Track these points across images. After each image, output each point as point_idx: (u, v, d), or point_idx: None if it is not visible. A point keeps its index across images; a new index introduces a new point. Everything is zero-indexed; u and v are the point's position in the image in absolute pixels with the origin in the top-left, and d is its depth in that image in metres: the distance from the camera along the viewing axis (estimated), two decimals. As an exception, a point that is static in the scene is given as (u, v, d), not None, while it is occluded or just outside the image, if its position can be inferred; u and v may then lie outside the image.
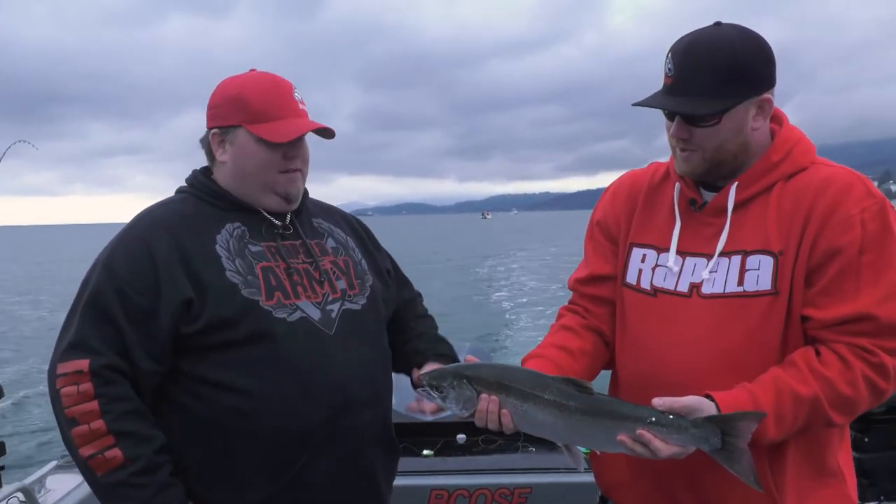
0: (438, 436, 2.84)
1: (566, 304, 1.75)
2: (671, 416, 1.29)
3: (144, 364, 1.53)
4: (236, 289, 1.58)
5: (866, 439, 1.99)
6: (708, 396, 1.33)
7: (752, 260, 1.42)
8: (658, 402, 1.30)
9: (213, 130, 1.66)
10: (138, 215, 1.70)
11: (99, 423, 1.47)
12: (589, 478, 2.45)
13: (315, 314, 1.64)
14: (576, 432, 1.40)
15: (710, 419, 1.28)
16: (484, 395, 1.39)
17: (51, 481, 2.42)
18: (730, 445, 1.27)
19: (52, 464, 2.56)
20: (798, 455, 1.43)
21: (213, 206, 1.68)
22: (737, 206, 1.47)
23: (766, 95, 1.43)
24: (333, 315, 1.66)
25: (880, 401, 1.37)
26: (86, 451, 1.47)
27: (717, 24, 1.45)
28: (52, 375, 1.52)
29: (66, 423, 1.49)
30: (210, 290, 1.56)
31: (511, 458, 2.72)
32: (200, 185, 1.72)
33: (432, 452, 2.74)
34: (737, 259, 1.44)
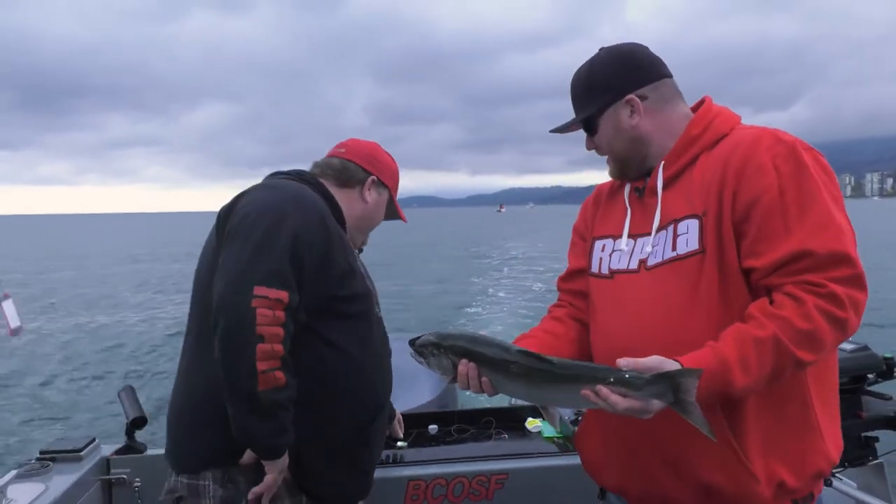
0: (410, 427, 2.90)
1: (555, 302, 1.96)
2: (627, 375, 1.40)
3: (301, 315, 1.83)
4: (363, 276, 2.05)
5: (831, 409, 2.08)
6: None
7: (682, 226, 1.59)
8: (622, 361, 1.41)
9: (373, 177, 2.22)
10: (289, 184, 2.01)
11: (279, 347, 1.74)
12: (563, 461, 2.56)
13: (381, 316, 2.15)
14: (547, 396, 1.55)
15: (659, 376, 1.39)
16: (463, 361, 1.56)
17: (11, 491, 2.38)
18: (679, 400, 1.38)
19: (12, 473, 2.52)
20: (760, 405, 1.52)
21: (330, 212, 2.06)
22: (668, 183, 1.65)
23: (629, 97, 1.67)
24: (383, 322, 2.17)
25: (846, 331, 1.44)
26: (262, 366, 1.71)
27: (601, 49, 1.74)
28: (248, 293, 1.71)
29: (253, 336, 1.70)
30: (353, 270, 1.98)
31: (485, 446, 2.80)
32: (322, 190, 2.09)
33: (406, 444, 2.79)
34: (671, 228, 1.61)
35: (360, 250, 2.26)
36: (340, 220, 2.09)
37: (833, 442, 1.58)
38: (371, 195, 2.20)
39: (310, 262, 1.82)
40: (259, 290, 1.71)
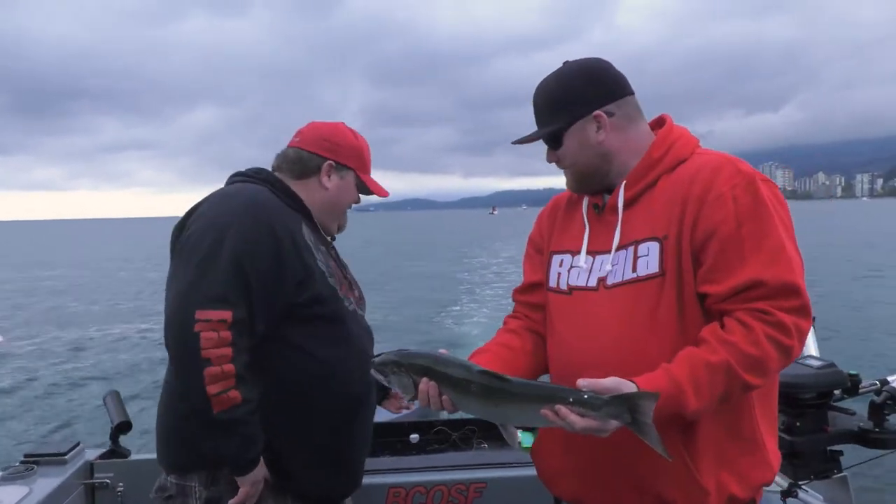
0: (392, 436, 2.94)
1: (510, 313, 1.96)
2: (586, 396, 1.44)
3: (259, 326, 1.85)
4: (325, 275, 2.00)
5: (798, 423, 2.17)
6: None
7: (643, 248, 1.63)
8: (582, 382, 1.44)
9: (329, 162, 2.12)
10: (242, 190, 1.98)
11: (230, 367, 1.75)
12: (540, 471, 2.59)
13: (353, 308, 2.11)
14: (507, 414, 1.58)
15: (618, 398, 1.44)
16: (424, 380, 1.58)
17: None
18: (637, 420, 1.43)
19: None
20: (713, 424, 1.58)
21: (287, 206, 2.03)
22: (629, 203, 1.69)
23: (597, 112, 1.68)
24: (359, 313, 2.15)
25: (790, 357, 1.52)
26: (213, 389, 1.74)
27: (565, 63, 1.74)
28: (190, 319, 1.74)
29: (200, 361, 1.73)
30: (313, 272, 1.95)
31: (465, 455, 2.85)
32: (281, 186, 2.07)
33: (387, 452, 2.83)
34: (631, 249, 1.64)
35: (334, 238, 2.23)
36: (305, 212, 2.07)
37: (774, 454, 1.68)
38: (331, 181, 2.13)
39: (256, 274, 1.82)
40: (201, 314, 1.73)
